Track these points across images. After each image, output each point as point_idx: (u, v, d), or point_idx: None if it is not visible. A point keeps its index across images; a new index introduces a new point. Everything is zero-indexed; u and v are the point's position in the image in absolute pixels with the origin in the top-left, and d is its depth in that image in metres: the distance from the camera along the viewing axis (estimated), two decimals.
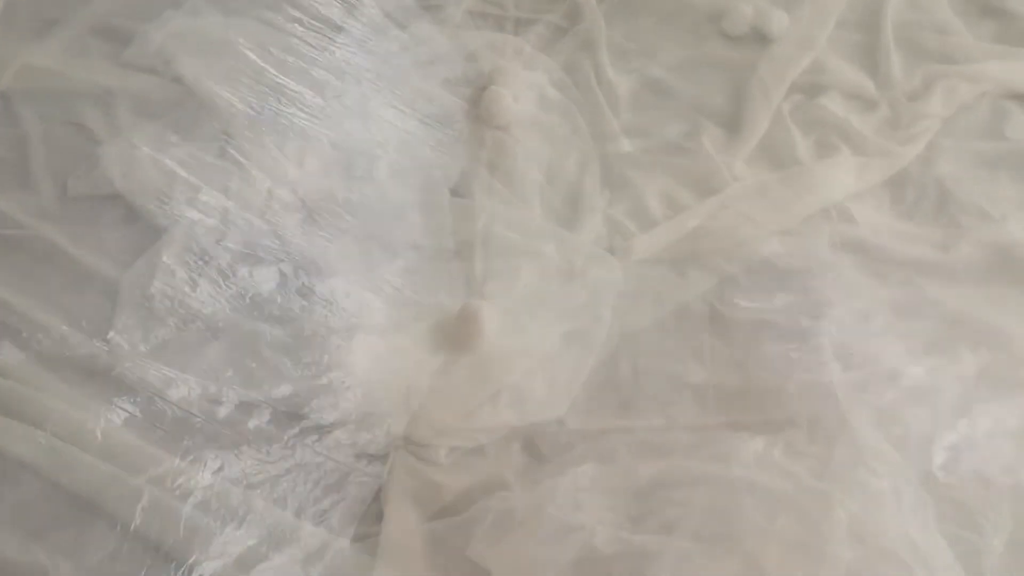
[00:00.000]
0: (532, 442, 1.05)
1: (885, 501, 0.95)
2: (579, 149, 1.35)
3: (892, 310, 1.19)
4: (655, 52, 1.47)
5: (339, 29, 1.31)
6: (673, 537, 0.91)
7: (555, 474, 0.99)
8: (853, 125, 1.37)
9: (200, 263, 1.02)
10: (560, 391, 1.08)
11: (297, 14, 1.26)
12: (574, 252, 1.22)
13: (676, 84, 1.43)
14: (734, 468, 0.97)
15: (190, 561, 0.85)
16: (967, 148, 1.37)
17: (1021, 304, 1.22)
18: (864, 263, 1.24)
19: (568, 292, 1.18)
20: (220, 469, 0.91)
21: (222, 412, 0.95)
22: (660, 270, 1.23)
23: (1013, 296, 1.23)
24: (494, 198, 1.27)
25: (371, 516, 0.95)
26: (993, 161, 1.37)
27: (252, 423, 0.95)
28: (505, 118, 1.33)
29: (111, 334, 0.96)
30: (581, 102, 1.40)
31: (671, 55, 1.47)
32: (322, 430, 0.98)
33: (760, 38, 1.46)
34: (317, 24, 1.28)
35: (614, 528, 0.93)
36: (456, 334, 1.11)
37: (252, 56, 1.18)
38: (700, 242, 1.25)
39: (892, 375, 1.12)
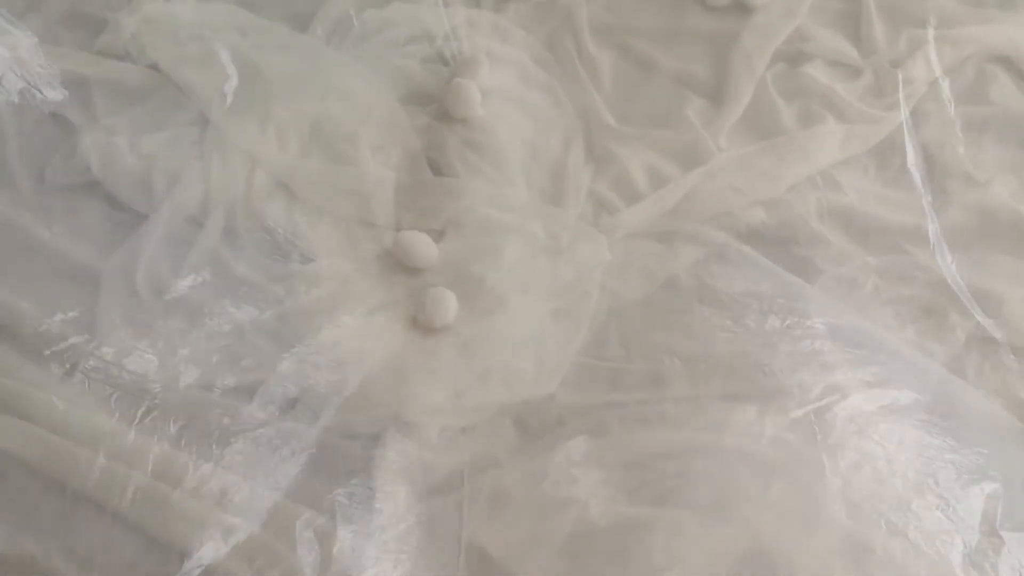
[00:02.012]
0: (523, 419, 1.04)
1: (877, 465, 0.95)
2: (562, 125, 1.34)
3: (880, 276, 1.19)
4: (636, 25, 1.46)
5: (316, 9, 1.30)
6: (668, 508, 0.91)
7: (547, 450, 0.98)
8: (837, 93, 1.36)
9: (182, 249, 1.01)
10: (550, 368, 1.07)
11: None
12: (560, 228, 1.21)
13: (658, 57, 1.42)
14: (727, 437, 0.96)
15: (182, 545, 0.84)
16: (952, 113, 1.37)
17: (1009, 267, 1.22)
18: (851, 230, 1.24)
19: (555, 269, 1.18)
20: (209, 455, 0.91)
21: (209, 398, 0.95)
22: (647, 244, 1.22)
23: (1001, 259, 1.23)
24: (478, 176, 1.26)
25: (366, 500, 0.94)
26: (978, 125, 1.37)
27: (240, 408, 0.95)
28: (471, 111, 1.31)
29: (95, 323, 0.96)
30: (563, 78, 1.39)
31: (652, 27, 1.46)
32: (309, 412, 0.97)
33: (742, 8, 1.45)
34: (293, 4, 1.28)
35: (608, 501, 0.92)
36: (423, 319, 1.10)
37: (227, 39, 1.17)
38: (686, 214, 1.25)
39: (881, 341, 1.13)
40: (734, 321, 1.13)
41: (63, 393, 0.92)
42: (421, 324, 1.09)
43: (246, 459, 0.92)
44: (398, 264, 1.16)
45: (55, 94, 1.07)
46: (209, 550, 0.84)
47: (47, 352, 0.94)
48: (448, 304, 1.10)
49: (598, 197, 1.26)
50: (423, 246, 1.15)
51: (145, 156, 1.06)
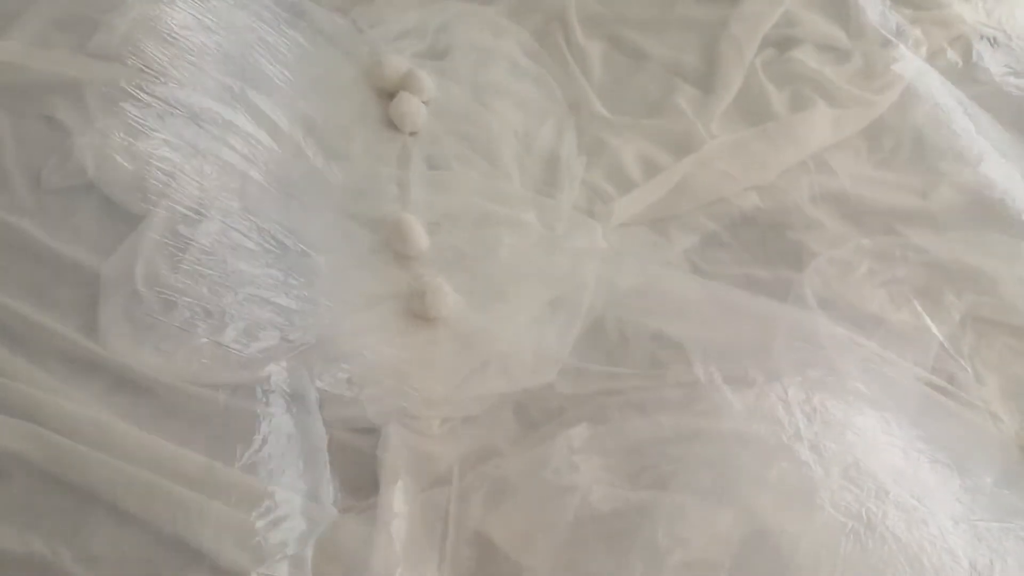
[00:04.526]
0: (523, 408, 1.04)
1: (877, 442, 0.95)
2: (554, 116, 1.34)
3: (875, 258, 1.20)
4: (625, 14, 1.46)
5: (305, 7, 1.30)
6: (669, 492, 0.91)
7: (548, 438, 0.99)
8: (827, 76, 1.37)
9: (180, 249, 1.01)
10: (548, 357, 1.08)
11: None
12: (555, 219, 1.22)
13: (648, 45, 1.43)
14: (725, 421, 0.97)
15: (190, 541, 0.84)
16: (941, 93, 1.38)
17: (1002, 246, 1.23)
18: (845, 213, 1.25)
19: (551, 259, 1.18)
20: (214, 450, 0.91)
21: (212, 394, 0.95)
22: (642, 232, 1.23)
23: (994, 238, 1.23)
24: (472, 169, 1.26)
25: (366, 489, 0.95)
26: (967, 105, 1.37)
27: (243, 402, 0.95)
28: (415, 124, 1.30)
29: (96, 324, 0.96)
30: (554, 69, 1.40)
31: (642, 16, 1.46)
32: (312, 406, 0.97)
33: None
34: (283, 2, 1.28)
35: (610, 487, 0.93)
36: (419, 310, 1.10)
37: (218, 39, 1.17)
38: (680, 202, 1.26)
39: (877, 322, 1.13)
40: (730, 305, 1.13)
41: (67, 394, 0.92)
42: (417, 314, 1.09)
43: (253, 454, 0.92)
44: (395, 257, 1.16)
45: None
46: (216, 543, 0.85)
47: (50, 353, 0.94)
48: (444, 294, 1.10)
49: (592, 187, 1.27)
50: (417, 230, 1.16)
51: (140, 157, 1.06)
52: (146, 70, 1.12)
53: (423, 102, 1.31)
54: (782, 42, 1.42)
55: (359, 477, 0.95)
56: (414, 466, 0.97)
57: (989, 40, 1.44)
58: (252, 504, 0.87)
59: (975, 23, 1.44)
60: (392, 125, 1.29)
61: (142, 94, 1.10)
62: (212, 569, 0.84)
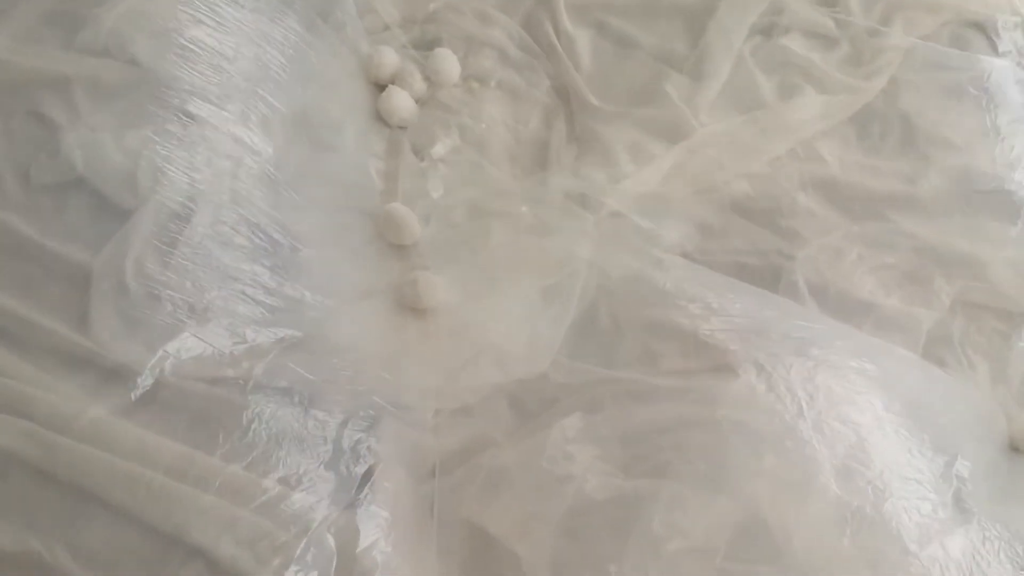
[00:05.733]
0: (518, 398, 1.04)
1: (868, 431, 0.96)
2: (544, 105, 1.34)
3: (865, 244, 1.20)
4: (613, 2, 1.46)
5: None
6: (664, 481, 0.92)
7: (543, 428, 0.99)
8: (815, 63, 1.37)
9: (170, 243, 1.01)
10: (541, 346, 1.08)
11: None
12: (546, 209, 1.22)
13: (636, 34, 1.42)
14: (720, 410, 0.97)
15: (185, 536, 0.84)
16: (929, 79, 1.38)
17: (991, 231, 1.23)
18: (834, 200, 1.25)
19: (543, 249, 1.18)
20: (207, 446, 0.91)
21: (203, 389, 0.95)
22: (633, 221, 1.23)
23: (983, 223, 1.24)
24: (462, 160, 1.26)
25: (359, 482, 0.94)
26: (955, 91, 1.37)
27: (235, 397, 0.95)
28: (403, 117, 1.31)
29: (87, 319, 0.95)
30: (542, 58, 1.39)
31: (629, 4, 1.46)
32: (304, 400, 0.97)
33: None
34: None
35: (605, 476, 0.93)
36: (411, 301, 1.11)
37: (206, 32, 1.16)
38: (670, 190, 1.25)
39: (867, 308, 1.14)
40: (721, 294, 1.13)
41: (60, 390, 0.91)
42: (409, 306, 1.09)
43: (244, 448, 0.92)
44: (386, 249, 1.16)
45: None
46: (212, 539, 0.85)
47: (42, 349, 0.94)
48: (435, 285, 1.10)
49: (582, 176, 1.27)
50: (410, 219, 1.16)
51: (130, 152, 1.05)
52: (134, 64, 1.12)
53: (413, 98, 1.32)
54: (770, 29, 1.42)
55: (352, 470, 0.95)
56: (408, 458, 0.98)
57: (978, 25, 1.44)
58: (247, 499, 0.87)
59: (962, 8, 1.43)
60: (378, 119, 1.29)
61: (130, 89, 1.10)
62: (208, 564, 0.84)
